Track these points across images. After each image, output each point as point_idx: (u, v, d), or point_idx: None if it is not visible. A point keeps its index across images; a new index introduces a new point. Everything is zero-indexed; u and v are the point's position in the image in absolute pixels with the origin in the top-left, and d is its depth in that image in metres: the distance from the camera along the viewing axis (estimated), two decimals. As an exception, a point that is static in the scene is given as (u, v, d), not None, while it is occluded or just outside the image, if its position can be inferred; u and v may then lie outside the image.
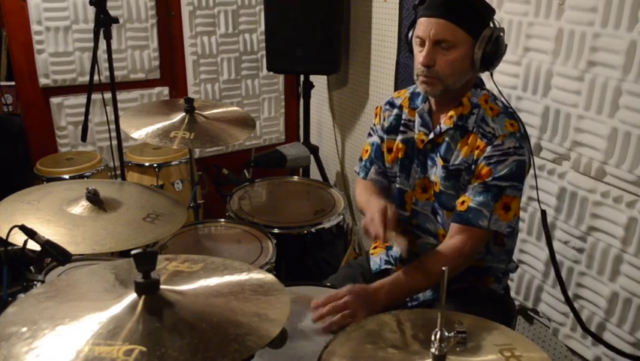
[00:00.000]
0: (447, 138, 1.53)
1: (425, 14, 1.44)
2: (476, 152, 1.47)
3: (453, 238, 1.49)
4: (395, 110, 1.66)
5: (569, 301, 1.71)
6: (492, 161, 1.44)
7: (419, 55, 1.47)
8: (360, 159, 1.77)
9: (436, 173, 1.55)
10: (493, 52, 1.43)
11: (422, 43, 1.46)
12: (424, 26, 1.44)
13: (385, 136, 1.68)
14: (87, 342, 0.84)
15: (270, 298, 1.01)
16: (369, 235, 1.43)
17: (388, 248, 1.78)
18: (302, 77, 3.23)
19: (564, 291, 1.70)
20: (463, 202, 1.48)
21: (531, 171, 1.55)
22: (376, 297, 1.40)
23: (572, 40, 1.79)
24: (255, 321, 0.93)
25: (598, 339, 1.77)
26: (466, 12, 1.41)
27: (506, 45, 1.49)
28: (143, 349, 0.83)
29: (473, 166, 1.48)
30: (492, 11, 1.47)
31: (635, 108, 1.64)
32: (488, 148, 1.45)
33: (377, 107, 1.73)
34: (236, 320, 0.93)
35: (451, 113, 1.52)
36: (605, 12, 1.67)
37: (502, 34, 1.46)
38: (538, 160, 1.98)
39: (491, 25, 1.45)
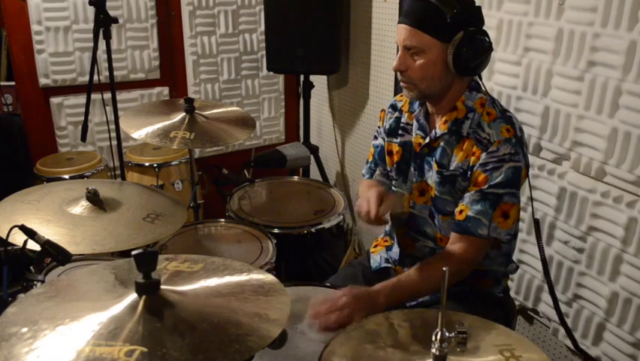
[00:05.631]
0: (442, 143, 1.52)
1: (399, 21, 1.48)
2: (472, 158, 1.47)
3: (454, 246, 1.49)
4: (396, 113, 1.67)
5: (562, 319, 1.71)
6: (487, 168, 1.44)
7: None
8: (367, 162, 1.79)
9: (431, 177, 1.55)
10: (468, 55, 1.41)
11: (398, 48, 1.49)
12: (398, 33, 1.47)
13: (386, 139, 1.68)
14: (88, 343, 0.84)
15: (270, 298, 1.01)
16: (360, 213, 1.45)
17: (388, 248, 1.78)
18: (302, 77, 3.23)
19: (557, 308, 1.70)
20: (461, 211, 1.48)
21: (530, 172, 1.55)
22: (375, 300, 1.39)
23: (572, 40, 1.79)
24: (255, 321, 0.93)
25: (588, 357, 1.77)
26: (432, 18, 1.41)
27: (491, 47, 1.45)
28: (144, 349, 0.83)
29: (469, 173, 1.48)
30: (467, 14, 1.43)
31: (635, 108, 1.64)
32: (483, 155, 1.44)
33: (382, 111, 1.74)
34: (237, 320, 0.93)
35: (446, 117, 1.52)
36: (605, 12, 1.67)
37: (485, 37, 1.43)
38: (539, 160, 1.98)
39: (468, 29, 1.41)
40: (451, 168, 1.50)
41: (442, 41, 1.41)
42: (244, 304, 0.98)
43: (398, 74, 1.50)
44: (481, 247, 1.48)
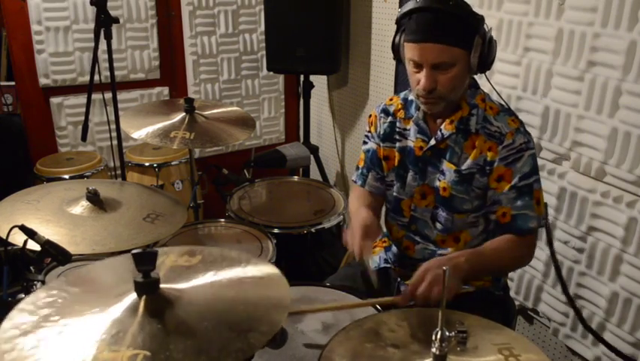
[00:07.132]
0: (450, 144, 1.52)
1: (417, 39, 1.40)
2: (489, 153, 1.47)
3: (514, 247, 1.48)
4: (389, 118, 1.65)
5: (570, 301, 1.70)
6: (509, 161, 1.46)
7: (416, 76, 1.45)
8: (357, 168, 1.76)
9: (444, 178, 1.54)
10: (488, 56, 1.44)
11: (418, 66, 1.44)
12: (419, 52, 1.40)
13: (381, 144, 1.67)
14: (91, 349, 0.84)
15: (270, 289, 1.00)
16: (347, 246, 1.47)
17: (387, 248, 1.78)
18: (302, 77, 3.23)
19: (565, 290, 1.70)
20: (504, 214, 1.48)
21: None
22: (456, 261, 1.35)
23: (572, 40, 1.79)
24: (257, 313, 0.93)
25: (599, 338, 1.77)
26: (457, 29, 1.39)
27: (496, 42, 1.48)
28: (148, 353, 0.82)
29: (487, 168, 1.48)
30: (480, 17, 1.43)
31: (635, 108, 1.64)
32: (500, 149, 1.46)
33: (370, 116, 1.71)
34: (238, 314, 0.92)
35: (452, 117, 1.52)
36: (605, 12, 1.68)
37: (492, 35, 1.45)
38: (539, 160, 1.98)
39: (482, 29, 1.42)
40: (465, 165, 1.51)
41: (467, 49, 1.41)
42: (244, 296, 0.97)
43: (422, 92, 1.44)
44: (533, 242, 1.53)
